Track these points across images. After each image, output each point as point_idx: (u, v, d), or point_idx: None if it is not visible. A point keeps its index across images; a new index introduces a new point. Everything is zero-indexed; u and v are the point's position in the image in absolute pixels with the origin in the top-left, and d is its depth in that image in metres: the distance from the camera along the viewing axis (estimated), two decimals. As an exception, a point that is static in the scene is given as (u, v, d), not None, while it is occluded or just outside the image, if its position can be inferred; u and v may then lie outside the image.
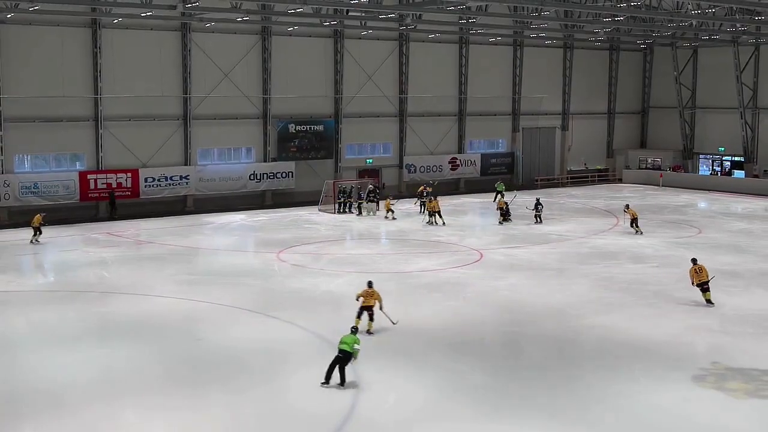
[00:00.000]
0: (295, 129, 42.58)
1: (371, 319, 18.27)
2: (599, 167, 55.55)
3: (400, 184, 46.82)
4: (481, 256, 27.67)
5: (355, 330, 15.77)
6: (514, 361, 16.78)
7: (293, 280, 23.74)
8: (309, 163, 43.59)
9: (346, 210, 38.37)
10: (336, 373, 14.78)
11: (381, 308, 18.21)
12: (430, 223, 34.04)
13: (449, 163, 48.61)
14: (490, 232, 32.97)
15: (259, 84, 41.67)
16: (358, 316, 18.15)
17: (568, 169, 54.16)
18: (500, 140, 51.76)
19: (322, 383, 14.71)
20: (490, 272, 24.98)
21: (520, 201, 39.75)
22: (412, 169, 47.05)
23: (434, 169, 47.92)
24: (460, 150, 49.27)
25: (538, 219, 34.79)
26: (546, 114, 52.76)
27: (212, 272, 25.11)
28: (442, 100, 47.96)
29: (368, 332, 17.87)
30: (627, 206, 33.11)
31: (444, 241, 30.54)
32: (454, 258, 27.39)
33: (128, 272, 24.89)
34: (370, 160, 46.14)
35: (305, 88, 42.75)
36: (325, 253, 28.10)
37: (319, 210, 39.01)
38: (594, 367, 16.22)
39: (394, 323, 18.43)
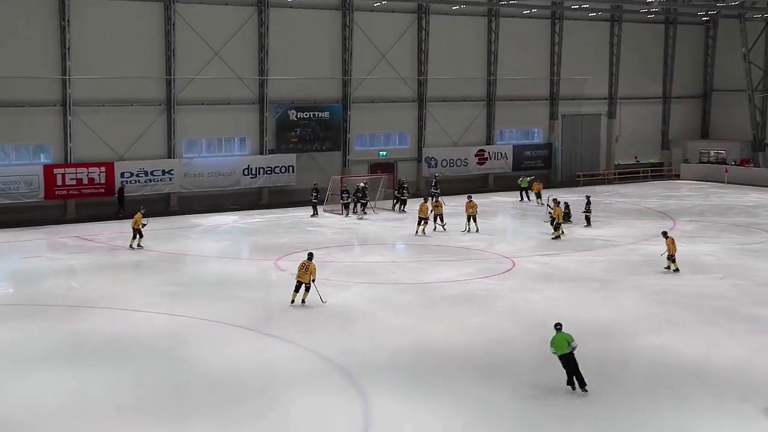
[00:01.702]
0: (296, 116, 42.73)
1: (307, 290, 22.01)
2: (652, 161, 55.40)
3: (418, 180, 46.91)
4: (513, 264, 27.65)
5: (559, 326, 16.68)
6: (551, 388, 16.71)
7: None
8: (312, 156, 43.71)
9: (356, 211, 38.49)
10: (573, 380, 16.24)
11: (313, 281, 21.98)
12: (422, 232, 32.69)
13: (476, 156, 48.61)
14: (524, 237, 32.92)
15: (255, 64, 41.86)
16: (296, 291, 21.94)
17: (616, 163, 54.04)
18: (536, 129, 51.71)
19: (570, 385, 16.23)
20: (523, 283, 24.97)
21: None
22: (433, 163, 47.08)
23: (458, 163, 47.95)
24: (489, 141, 49.25)
25: (587, 221, 34.78)
26: (590, 99, 52.68)
27: (200, 282, 25.22)
28: (468, 83, 48.00)
29: (303, 301, 21.51)
30: (665, 234, 27.83)
31: (470, 247, 30.54)
32: (482, 267, 27.37)
33: (101, 283, 25.01)
34: (384, 153, 46.23)
35: (308, 68, 42.91)
36: (331, 261, 28.14)
37: (324, 210, 39.12)
38: (646, 396, 16.17)
39: (323, 302, 21.71)
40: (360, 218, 37.44)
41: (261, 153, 42.33)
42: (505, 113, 49.48)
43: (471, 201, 33.81)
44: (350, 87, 44.12)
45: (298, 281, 22.17)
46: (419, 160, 46.95)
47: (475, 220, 33.51)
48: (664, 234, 27.79)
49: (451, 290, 24.13)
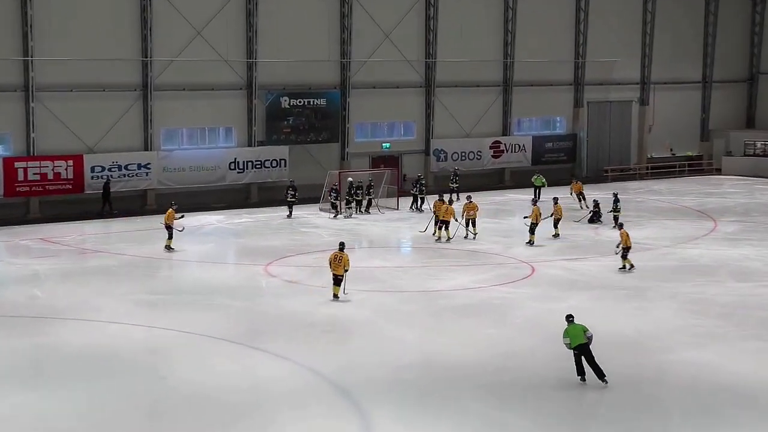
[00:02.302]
0: (288, 104, 42.80)
1: (338, 284, 23.55)
2: (690, 154, 55.39)
3: (426, 174, 46.86)
4: (533, 270, 27.65)
5: (571, 318, 18.01)
6: (576, 410, 16.67)
7: (287, 301, 23.84)
8: (307, 148, 43.75)
9: (359, 210, 38.47)
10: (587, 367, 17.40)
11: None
12: (445, 237, 31.93)
13: (491, 148, 48.68)
14: (545, 239, 32.88)
15: (242, 44, 41.90)
16: (336, 284, 23.58)
17: (649, 156, 54.04)
18: (558, 118, 51.74)
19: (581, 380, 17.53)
20: (543, 291, 24.97)
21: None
22: (442, 156, 47.17)
23: (470, 156, 48.00)
24: (506, 131, 49.32)
25: (615, 222, 34.72)
26: (619, 84, 52.71)
27: (180, 290, 25.25)
28: (482, 67, 48.03)
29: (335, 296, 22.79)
30: (621, 225, 29.27)
31: (484, 250, 30.54)
32: (497, 273, 27.37)
33: (69, 291, 25.01)
34: (387, 145, 46.32)
35: (302, 50, 42.96)
36: (326, 266, 28.08)
37: (320, 209, 39.13)
38: (683, 418, 16.13)
39: (344, 293, 23.73)
40: (347, 217, 37.40)
41: (249, 145, 42.41)
42: (523, 100, 49.51)
43: (471, 202, 33.09)
44: (349, 71, 44.13)
45: (334, 275, 23.75)
46: (427, 152, 47.01)
47: (474, 224, 32.73)
48: (620, 225, 29.00)
49: (463, 299, 24.14)
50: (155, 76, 39.99)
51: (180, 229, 30.86)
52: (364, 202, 38.91)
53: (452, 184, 42.67)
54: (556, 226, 32.84)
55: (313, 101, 43.37)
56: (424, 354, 19.30)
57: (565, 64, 50.69)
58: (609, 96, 52.61)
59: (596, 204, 36.03)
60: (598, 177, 50.94)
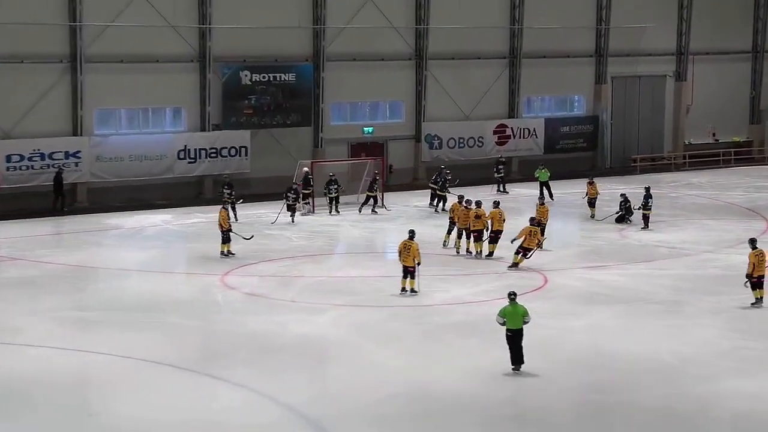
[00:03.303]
0: (250, 79, 42.77)
1: (412, 277, 25.21)
2: (737, 139, 55.53)
3: (416, 165, 46.93)
4: (546, 280, 27.64)
5: (513, 296, 19.70)
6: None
7: (249, 319, 23.76)
8: (273, 133, 43.66)
9: (335, 209, 38.43)
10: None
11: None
12: (474, 251, 30.42)
13: (494, 133, 48.70)
14: (560, 243, 32.84)
15: (193, 7, 41.80)
16: (405, 277, 25.25)
17: (686, 142, 54.17)
18: (576, 97, 51.84)
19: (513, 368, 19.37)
20: (558, 306, 24.94)
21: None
22: (436, 144, 47.17)
23: (470, 143, 48.01)
24: (513, 113, 49.35)
25: (645, 222, 34.74)
26: (650, 55, 52.84)
27: (117, 306, 25.09)
28: (484, 35, 48.04)
29: (412, 290, 23.76)
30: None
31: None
32: (502, 283, 27.09)
33: (-21, 307, 24.90)
34: (370, 129, 46.30)
35: (266, 14, 42.89)
36: (299, 276, 28.16)
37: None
38: (729, 459, 16.15)
39: (415, 292, 25.25)
40: (304, 215, 37.32)
41: (203, 129, 42.34)
42: (534, 75, 49.58)
43: (470, 207, 30.80)
44: (324, 40, 44.07)
45: (404, 266, 25.31)
46: (417, 138, 46.96)
47: (468, 236, 30.85)
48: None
49: (460, 315, 24.06)
50: (86, 45, 39.78)
51: (248, 236, 31.03)
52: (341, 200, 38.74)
53: (497, 174, 42.81)
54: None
55: (280, 77, 43.29)
56: (414, 382, 19.20)
57: (584, 31, 50.78)
58: (638, 70, 52.74)
59: (625, 199, 35.94)
60: (625, 168, 51.02)
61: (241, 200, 36.64)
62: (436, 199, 39.48)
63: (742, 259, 30.08)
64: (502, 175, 43.54)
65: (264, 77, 42.98)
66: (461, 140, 47.74)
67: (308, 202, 38.30)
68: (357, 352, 21.29)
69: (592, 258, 30.63)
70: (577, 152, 50.38)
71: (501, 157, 44.80)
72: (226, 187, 37.20)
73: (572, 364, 20.46)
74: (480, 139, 48.18)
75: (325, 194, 38.61)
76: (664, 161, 53.02)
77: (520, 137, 49.19)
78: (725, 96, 55.00)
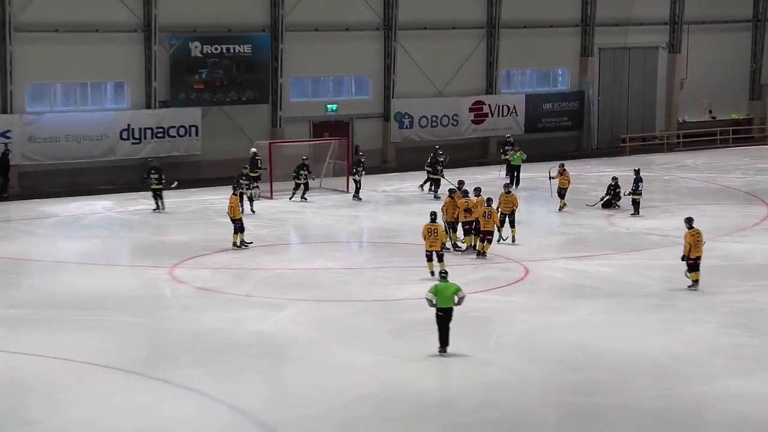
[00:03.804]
0: (201, 51, 42.68)
1: (440, 260, 25.88)
2: (736, 117, 55.84)
3: (385, 146, 46.96)
4: (526, 272, 27.73)
5: (445, 274, 21.13)
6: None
7: (200, 316, 23.70)
8: (227, 111, 43.62)
9: (302, 196, 38.44)
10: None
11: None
12: (458, 248, 30.05)
13: (471, 111, 48.87)
14: (542, 231, 32.95)
15: (137, -30, 41.60)
16: (429, 260, 26.37)
17: (680, 120, 54.45)
18: (560, 71, 52.08)
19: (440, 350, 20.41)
20: (540, 300, 25.02)
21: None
22: (407, 122, 47.27)
23: (444, 122, 48.15)
24: (491, 89, 49.55)
25: (635, 207, 34.85)
26: (641, 25, 53.10)
27: (55, 303, 24.94)
28: (459, 2, 48.30)
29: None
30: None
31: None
32: (478, 275, 27.39)
33: None
34: (334, 107, 46.30)
35: (218, -22, 42.78)
36: (256, 268, 28.18)
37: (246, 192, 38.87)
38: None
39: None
40: (251, 199, 36.93)
41: (148, 107, 42.23)
42: (514, 47, 49.72)
43: (510, 193, 31.62)
44: (282, 8, 43.99)
45: (428, 251, 26.45)
46: (386, 117, 47.05)
47: (513, 224, 30.96)
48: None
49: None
50: (16, 12, 39.51)
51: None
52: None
53: (504, 156, 42.45)
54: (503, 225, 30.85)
55: (234, 48, 43.22)
56: (382, 384, 19.21)
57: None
58: (628, 41, 52.99)
59: (615, 182, 36.02)
60: (613, 149, 51.25)
61: (174, 184, 36.64)
62: (429, 183, 39.49)
63: (741, 248, 30.56)
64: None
65: (216, 49, 42.84)
66: (434, 119, 47.83)
67: (257, 186, 38.06)
68: (319, 351, 21.24)
69: (577, 247, 30.73)
70: (560, 131, 50.55)
71: (508, 137, 44.28)
72: (153, 171, 36.50)
73: (555, 363, 20.49)
74: (455, 118, 48.28)
75: (294, 179, 38.35)
76: (656, 141, 53.28)
77: (498, 115, 49.33)
78: (723, 69, 55.27)
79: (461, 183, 31.72)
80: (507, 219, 30.86)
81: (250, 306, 24.32)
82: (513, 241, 30.56)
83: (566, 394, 18.99)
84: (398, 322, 23.18)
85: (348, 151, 42.09)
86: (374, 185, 41.13)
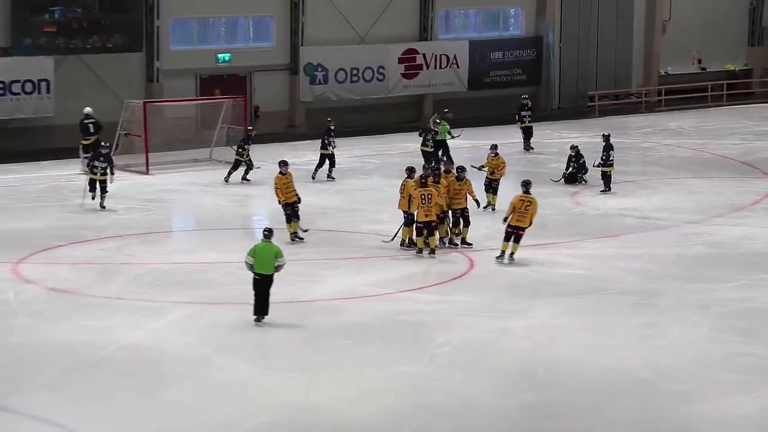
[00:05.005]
0: (54, -14, 42.34)
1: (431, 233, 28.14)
2: (731, 68, 56.40)
3: (293, 107, 46.91)
4: (471, 264, 27.83)
5: (268, 233, 22.96)
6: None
7: (55, 325, 23.47)
8: (87, 61, 43.45)
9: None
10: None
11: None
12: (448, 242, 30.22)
13: (401, 62, 49.00)
14: (490, 213, 32.95)
15: None
16: (420, 234, 27.96)
17: (662, 72, 54.88)
18: (512, 11, 52.60)
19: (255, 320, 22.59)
20: (490, 300, 25.10)
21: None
22: (320, 77, 47.49)
23: (367, 76, 48.42)
24: (425, 34, 49.68)
25: (606, 183, 35.00)
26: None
27: None
28: None
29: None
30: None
31: (390, 232, 30.50)
32: (412, 270, 27.53)
33: None
34: (226, 56, 46.27)
35: None
36: (127, 263, 28.06)
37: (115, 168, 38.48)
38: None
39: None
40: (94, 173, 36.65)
41: (-15, 55, 41.86)
42: (455, -18, 49.93)
43: (497, 155, 33.69)
44: (159, -74, 43.88)
45: (420, 222, 28.10)
46: (293, 70, 47.20)
47: (495, 191, 33.12)
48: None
49: (355, 314, 24.09)
50: None
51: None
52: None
53: (521, 122, 42.55)
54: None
55: (97, -18, 43.01)
56: (291, 408, 19.13)
57: None
58: (595, -26, 53.40)
59: (576, 152, 36.17)
60: (579, 109, 51.75)
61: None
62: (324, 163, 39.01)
63: (737, 232, 30.85)
64: (530, 125, 42.71)
65: (73, -17, 42.64)
66: (354, 72, 48.04)
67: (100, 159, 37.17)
68: (209, 368, 21.09)
69: (535, 233, 30.65)
70: (513, 88, 50.74)
71: (525, 99, 43.99)
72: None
73: (510, 380, 20.53)
74: (380, 71, 48.44)
75: (240, 154, 37.80)
76: (632, 99, 53.73)
77: (435, 67, 49.59)
78: (715, 8, 56.03)
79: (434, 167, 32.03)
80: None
81: (120, 312, 24.06)
82: (493, 209, 32.41)
83: (523, 420, 19.03)
84: (312, 330, 23.10)
85: (245, 114, 41.94)
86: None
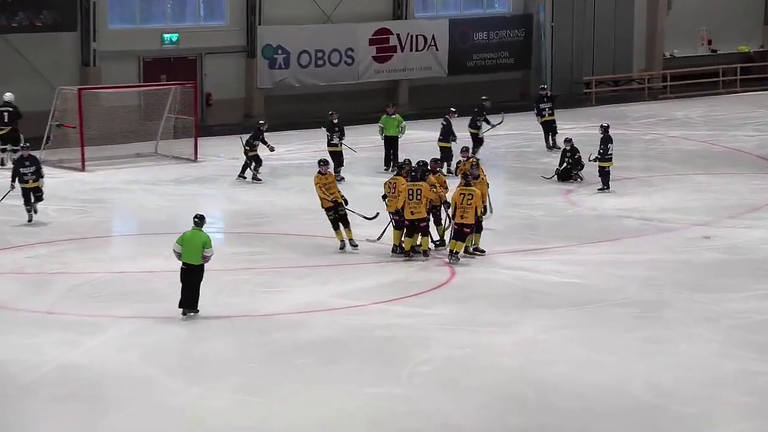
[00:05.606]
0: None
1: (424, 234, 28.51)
2: (745, 50, 56.55)
3: (249, 95, 46.85)
4: (452, 273, 27.85)
5: (198, 220, 23.87)
6: None
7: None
8: (13, 41, 43.51)
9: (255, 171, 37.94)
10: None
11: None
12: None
13: (372, 44, 49.19)
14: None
15: None
16: (410, 234, 28.46)
17: (667, 55, 54.97)
18: (498, -14, 52.36)
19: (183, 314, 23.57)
20: (474, 313, 25.11)
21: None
22: (281, 60, 47.67)
23: (334, 60, 48.56)
24: (400, 12, 49.91)
25: (604, 180, 35.04)
26: None
27: None
28: None
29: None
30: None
31: (362, 235, 30.52)
32: (386, 279, 27.62)
33: None
34: (173, 37, 46.32)
35: None
36: (61, 272, 28.04)
37: (43, 160, 38.27)
38: None
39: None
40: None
41: None
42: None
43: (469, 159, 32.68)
44: None
45: (408, 220, 28.24)
46: (251, 53, 47.34)
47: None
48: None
49: (321, 329, 24.06)
50: None
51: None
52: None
53: (540, 117, 42.38)
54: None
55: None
56: (247, 435, 19.08)
57: None
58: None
59: (570, 146, 36.20)
60: (574, 97, 51.94)
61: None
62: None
63: (752, 235, 30.90)
64: (550, 118, 42.49)
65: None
66: (320, 55, 48.17)
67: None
68: (155, 390, 21.01)
69: (525, 237, 30.83)
70: (499, 72, 50.86)
71: (544, 89, 44.14)
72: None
73: (497, 402, 20.49)
74: (349, 54, 48.55)
75: (246, 151, 37.68)
76: (634, 85, 53.82)
77: (411, 50, 49.71)
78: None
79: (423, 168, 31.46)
80: None
81: (53, 328, 23.96)
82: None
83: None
84: (271, 347, 23.09)
85: (195, 103, 41.85)
86: (234, 151, 40.67)
